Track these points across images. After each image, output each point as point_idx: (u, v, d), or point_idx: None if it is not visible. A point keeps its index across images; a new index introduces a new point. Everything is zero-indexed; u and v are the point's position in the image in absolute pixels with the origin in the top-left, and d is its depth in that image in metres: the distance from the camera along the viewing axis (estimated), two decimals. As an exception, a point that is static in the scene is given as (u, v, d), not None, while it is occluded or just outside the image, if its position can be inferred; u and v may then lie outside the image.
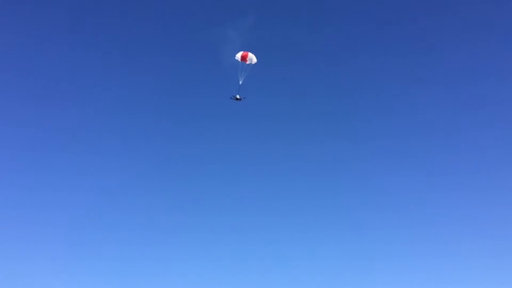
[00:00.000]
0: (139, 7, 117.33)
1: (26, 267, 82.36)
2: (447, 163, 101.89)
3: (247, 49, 62.66)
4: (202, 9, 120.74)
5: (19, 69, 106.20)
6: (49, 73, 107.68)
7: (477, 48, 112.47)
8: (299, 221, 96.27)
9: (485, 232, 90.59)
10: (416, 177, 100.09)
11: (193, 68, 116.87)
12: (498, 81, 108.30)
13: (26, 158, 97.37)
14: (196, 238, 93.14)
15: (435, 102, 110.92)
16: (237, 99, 65.26)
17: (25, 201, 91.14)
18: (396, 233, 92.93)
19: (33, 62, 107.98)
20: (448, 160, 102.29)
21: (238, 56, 62.84)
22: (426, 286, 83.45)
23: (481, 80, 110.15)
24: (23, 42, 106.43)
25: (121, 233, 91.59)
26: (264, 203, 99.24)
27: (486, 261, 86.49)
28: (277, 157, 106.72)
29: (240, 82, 63.64)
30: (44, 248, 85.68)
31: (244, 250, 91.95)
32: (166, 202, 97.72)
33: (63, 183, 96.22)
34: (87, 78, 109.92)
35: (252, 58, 63.09)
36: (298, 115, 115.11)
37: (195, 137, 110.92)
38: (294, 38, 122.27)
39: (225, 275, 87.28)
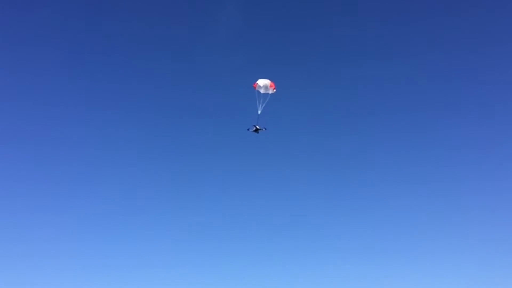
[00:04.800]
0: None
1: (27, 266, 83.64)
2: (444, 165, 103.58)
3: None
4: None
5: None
6: (48, 73, 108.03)
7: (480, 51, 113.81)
8: (297, 221, 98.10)
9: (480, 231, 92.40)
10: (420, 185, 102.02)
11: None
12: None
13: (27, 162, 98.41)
14: (196, 239, 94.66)
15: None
16: (256, 130, 58.45)
17: (26, 204, 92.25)
18: (394, 233, 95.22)
19: (32, 61, 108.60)
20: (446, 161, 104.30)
21: (257, 83, 56.80)
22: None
23: (485, 81, 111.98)
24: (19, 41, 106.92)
25: (121, 234, 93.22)
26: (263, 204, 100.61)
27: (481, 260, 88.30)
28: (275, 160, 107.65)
29: (259, 112, 57.21)
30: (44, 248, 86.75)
31: (244, 251, 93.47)
32: (167, 204, 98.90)
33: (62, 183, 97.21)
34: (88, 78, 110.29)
35: (263, 86, 56.23)
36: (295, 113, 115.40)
37: (193, 136, 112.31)
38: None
39: (225, 276, 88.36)
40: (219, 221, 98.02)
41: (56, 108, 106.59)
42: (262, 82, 56.42)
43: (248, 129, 58.39)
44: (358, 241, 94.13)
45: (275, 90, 56.73)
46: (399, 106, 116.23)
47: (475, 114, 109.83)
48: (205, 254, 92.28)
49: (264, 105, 56.70)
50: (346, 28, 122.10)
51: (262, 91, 56.40)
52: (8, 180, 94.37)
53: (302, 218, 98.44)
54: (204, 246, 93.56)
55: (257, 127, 58.45)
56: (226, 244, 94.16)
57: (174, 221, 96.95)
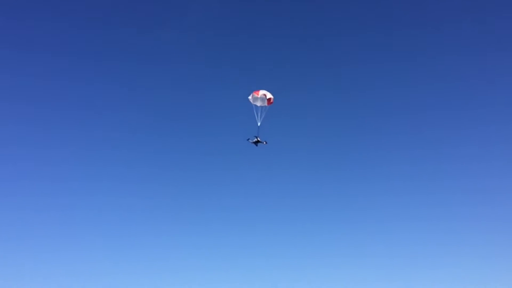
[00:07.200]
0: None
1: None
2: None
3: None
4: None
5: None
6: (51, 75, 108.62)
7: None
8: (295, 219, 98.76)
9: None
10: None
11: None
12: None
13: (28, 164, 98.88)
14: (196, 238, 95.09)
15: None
16: (256, 141, 56.10)
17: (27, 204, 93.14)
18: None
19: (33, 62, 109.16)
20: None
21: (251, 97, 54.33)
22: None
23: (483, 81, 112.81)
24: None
25: (121, 234, 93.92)
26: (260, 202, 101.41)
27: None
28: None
29: (258, 124, 54.86)
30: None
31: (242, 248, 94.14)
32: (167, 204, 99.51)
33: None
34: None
35: (256, 98, 53.32)
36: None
37: (193, 134, 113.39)
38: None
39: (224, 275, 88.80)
40: (218, 222, 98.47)
41: (56, 111, 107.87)
42: (259, 94, 54.10)
43: (248, 139, 56.22)
44: (358, 241, 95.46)
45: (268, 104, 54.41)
46: (394, 108, 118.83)
47: (470, 115, 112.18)
48: (205, 254, 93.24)
49: (263, 116, 54.54)
50: (334, 22, 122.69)
51: (252, 101, 54.55)
52: (10, 181, 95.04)
53: (300, 218, 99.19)
54: (203, 245, 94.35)
55: (258, 139, 56.19)
56: (224, 243, 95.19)
57: (174, 221, 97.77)
